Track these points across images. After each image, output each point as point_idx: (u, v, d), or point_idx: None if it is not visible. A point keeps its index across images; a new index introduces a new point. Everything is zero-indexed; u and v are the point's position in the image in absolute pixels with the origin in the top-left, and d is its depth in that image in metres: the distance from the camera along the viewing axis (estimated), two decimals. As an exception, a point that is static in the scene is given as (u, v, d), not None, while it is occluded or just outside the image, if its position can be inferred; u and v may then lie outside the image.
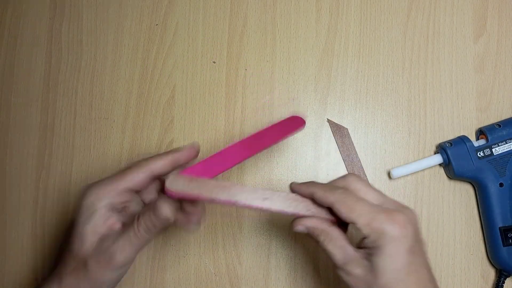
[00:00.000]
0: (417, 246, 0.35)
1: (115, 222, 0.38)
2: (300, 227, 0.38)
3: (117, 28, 0.57)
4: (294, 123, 0.43)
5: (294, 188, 0.39)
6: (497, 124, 0.50)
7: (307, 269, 0.52)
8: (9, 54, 0.58)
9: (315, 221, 0.38)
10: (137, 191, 0.40)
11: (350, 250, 0.36)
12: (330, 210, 0.37)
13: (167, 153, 0.39)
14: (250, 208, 0.37)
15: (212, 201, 0.37)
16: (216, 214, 0.53)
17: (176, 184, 0.36)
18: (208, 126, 0.55)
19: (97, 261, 0.37)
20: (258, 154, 0.42)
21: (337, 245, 0.36)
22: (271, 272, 0.52)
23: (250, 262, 0.53)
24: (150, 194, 0.42)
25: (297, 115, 0.43)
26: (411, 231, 0.35)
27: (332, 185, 0.38)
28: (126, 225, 0.38)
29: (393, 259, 0.34)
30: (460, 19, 0.55)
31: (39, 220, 0.55)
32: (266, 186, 0.53)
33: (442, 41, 0.55)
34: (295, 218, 0.39)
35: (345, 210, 0.36)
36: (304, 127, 0.43)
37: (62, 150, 0.56)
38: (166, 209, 0.37)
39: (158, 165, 0.39)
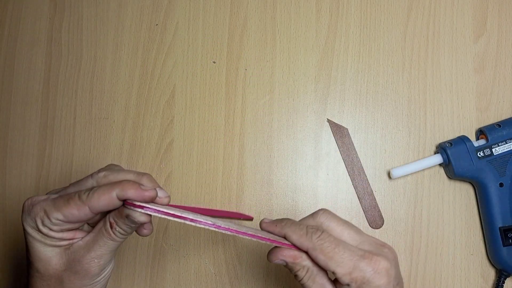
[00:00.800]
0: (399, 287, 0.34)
1: (69, 234, 0.36)
2: (279, 261, 0.35)
3: (117, 28, 0.57)
4: (243, 216, 0.44)
5: (266, 228, 0.36)
6: (497, 124, 0.50)
7: (307, 269, 0.52)
8: (9, 54, 0.58)
9: (294, 255, 0.35)
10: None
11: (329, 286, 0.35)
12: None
13: (114, 184, 0.34)
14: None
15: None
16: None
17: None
18: (208, 126, 0.55)
19: (75, 273, 0.35)
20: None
21: (317, 283, 0.34)
22: (271, 272, 0.52)
23: (250, 262, 0.53)
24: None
25: (244, 213, 0.44)
26: (393, 275, 0.34)
27: (306, 227, 0.35)
28: (94, 231, 0.36)
29: None
30: (460, 19, 0.55)
31: (39, 220, 0.55)
32: (266, 186, 0.54)
33: (442, 41, 0.55)
34: (273, 247, 0.35)
35: (323, 258, 0.33)
36: (252, 220, 0.46)
37: (62, 150, 0.56)
38: (145, 216, 0.34)
39: (101, 203, 0.33)
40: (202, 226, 0.33)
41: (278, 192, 0.53)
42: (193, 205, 0.42)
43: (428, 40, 0.55)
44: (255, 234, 0.35)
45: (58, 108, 0.56)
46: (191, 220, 0.33)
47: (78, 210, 0.33)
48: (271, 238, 0.35)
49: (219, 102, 0.55)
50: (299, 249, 0.35)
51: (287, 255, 0.35)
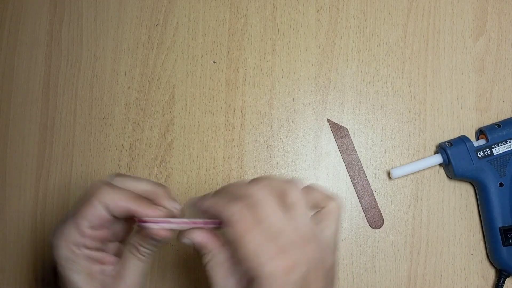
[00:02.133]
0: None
1: (102, 256, 0.35)
2: (186, 239, 0.33)
3: (117, 28, 0.57)
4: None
5: (188, 201, 0.34)
6: (497, 124, 0.50)
7: (307, 269, 0.52)
8: (9, 54, 0.58)
9: (204, 236, 0.32)
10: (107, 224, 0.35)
11: (231, 284, 0.32)
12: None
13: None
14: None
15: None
16: (216, 214, 0.53)
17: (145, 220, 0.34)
18: (208, 126, 0.55)
19: None
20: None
21: (220, 273, 0.32)
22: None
23: (250, 262, 0.53)
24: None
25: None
26: (296, 278, 0.29)
27: (231, 194, 0.31)
28: (122, 258, 0.36)
29: None
30: (460, 19, 0.55)
31: (39, 220, 0.55)
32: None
33: (442, 41, 0.55)
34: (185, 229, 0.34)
35: (236, 238, 0.29)
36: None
37: (62, 150, 0.56)
38: (167, 232, 0.33)
39: (116, 209, 0.34)
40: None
41: (278, 192, 0.53)
42: None
43: (428, 40, 0.55)
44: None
45: (58, 108, 0.56)
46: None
47: (94, 208, 0.33)
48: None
49: (219, 102, 0.55)
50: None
51: (197, 235, 0.32)
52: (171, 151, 0.55)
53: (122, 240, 0.38)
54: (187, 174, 0.54)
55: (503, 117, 0.52)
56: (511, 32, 0.54)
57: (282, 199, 0.31)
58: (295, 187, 0.32)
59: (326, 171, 0.54)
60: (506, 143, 0.49)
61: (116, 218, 0.34)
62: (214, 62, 0.56)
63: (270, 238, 0.29)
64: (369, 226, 0.52)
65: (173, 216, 0.35)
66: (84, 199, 0.34)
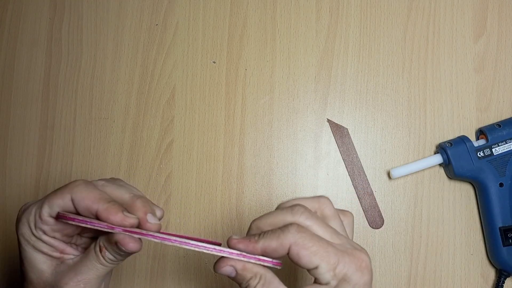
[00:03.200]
0: None
1: (60, 245, 0.36)
2: (228, 268, 0.32)
3: (117, 28, 0.57)
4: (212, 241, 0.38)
5: (237, 246, 0.32)
6: (497, 124, 0.50)
7: (307, 269, 0.52)
8: (9, 54, 0.58)
9: (246, 263, 0.32)
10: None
11: None
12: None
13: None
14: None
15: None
16: (216, 214, 0.53)
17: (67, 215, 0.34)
18: (208, 126, 0.55)
19: (66, 284, 0.34)
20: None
21: None
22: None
23: (250, 262, 0.53)
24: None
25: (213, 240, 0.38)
26: (369, 278, 0.31)
27: (279, 225, 0.32)
28: (84, 253, 0.36)
29: None
30: (460, 19, 0.55)
31: (39, 220, 0.55)
32: (266, 186, 0.54)
33: (442, 41, 0.55)
34: (221, 258, 0.33)
35: (306, 253, 0.30)
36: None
37: (62, 150, 0.56)
38: (135, 245, 0.33)
39: (82, 202, 0.34)
40: (169, 243, 0.32)
41: (278, 192, 0.53)
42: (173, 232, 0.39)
43: (428, 40, 0.55)
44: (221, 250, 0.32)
45: (58, 108, 0.56)
46: (161, 238, 0.32)
47: (62, 199, 0.34)
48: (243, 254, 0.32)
49: (219, 102, 0.55)
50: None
51: (239, 263, 0.32)
52: (171, 151, 0.55)
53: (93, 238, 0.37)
54: (187, 174, 0.54)
55: (503, 117, 0.52)
56: (511, 32, 0.54)
57: (321, 215, 0.34)
58: (327, 203, 0.35)
59: (326, 171, 0.54)
60: (506, 143, 0.49)
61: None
62: (214, 62, 0.56)
63: (338, 247, 0.31)
64: (369, 226, 0.52)
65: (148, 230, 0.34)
66: (58, 189, 0.35)
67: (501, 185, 0.49)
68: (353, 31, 0.55)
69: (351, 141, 0.54)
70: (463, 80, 0.54)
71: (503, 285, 0.49)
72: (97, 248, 0.34)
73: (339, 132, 0.54)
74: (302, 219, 0.32)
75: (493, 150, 0.49)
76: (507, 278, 0.50)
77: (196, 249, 0.32)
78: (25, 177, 0.56)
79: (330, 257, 0.30)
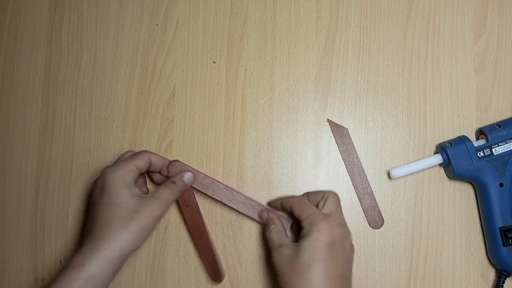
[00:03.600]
0: (339, 250, 0.43)
1: (137, 189, 0.47)
2: (265, 214, 0.50)
3: (117, 28, 0.57)
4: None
5: (273, 204, 0.51)
6: (497, 124, 0.50)
7: (307, 269, 0.52)
8: (9, 54, 0.58)
9: (273, 215, 0.49)
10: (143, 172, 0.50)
11: (286, 238, 0.47)
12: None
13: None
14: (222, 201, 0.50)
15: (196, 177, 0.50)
16: (216, 214, 0.53)
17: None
18: (208, 126, 0.55)
19: (145, 204, 0.45)
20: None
21: (278, 233, 0.47)
22: (271, 272, 0.52)
23: (250, 262, 0.53)
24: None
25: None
26: (337, 233, 0.43)
27: (296, 197, 0.51)
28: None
29: (315, 243, 0.42)
30: (460, 19, 0.55)
31: (39, 220, 0.55)
32: (266, 186, 0.54)
33: (442, 41, 0.55)
34: (262, 209, 0.51)
35: (297, 209, 0.46)
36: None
37: (62, 150, 0.56)
38: (189, 175, 0.50)
39: (154, 158, 0.50)
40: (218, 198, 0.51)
41: (278, 192, 0.53)
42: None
43: (428, 40, 0.55)
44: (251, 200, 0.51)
45: (58, 108, 0.56)
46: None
47: (142, 157, 0.49)
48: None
49: (219, 102, 0.55)
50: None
51: (271, 214, 0.50)
52: (171, 151, 0.55)
53: None
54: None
55: (503, 117, 0.52)
56: (511, 32, 0.54)
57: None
58: (331, 194, 0.48)
59: (326, 171, 0.54)
60: (506, 143, 0.49)
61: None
62: (214, 62, 0.56)
63: (319, 211, 0.46)
64: (369, 226, 0.52)
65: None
66: (136, 153, 0.50)
67: (501, 185, 0.49)
68: (353, 31, 0.55)
69: (351, 141, 0.54)
70: (463, 80, 0.54)
71: (503, 285, 0.49)
72: (166, 181, 0.49)
73: (339, 132, 0.54)
74: (330, 199, 0.48)
75: (493, 150, 0.49)
76: (507, 278, 0.50)
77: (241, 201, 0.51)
78: (25, 176, 0.56)
79: (309, 212, 0.45)
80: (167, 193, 0.47)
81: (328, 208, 0.46)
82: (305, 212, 0.45)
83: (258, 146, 0.54)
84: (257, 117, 0.55)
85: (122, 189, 0.45)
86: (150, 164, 0.49)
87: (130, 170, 0.47)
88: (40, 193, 0.55)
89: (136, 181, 0.48)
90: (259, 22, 0.56)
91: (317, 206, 0.47)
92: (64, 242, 0.54)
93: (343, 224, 0.45)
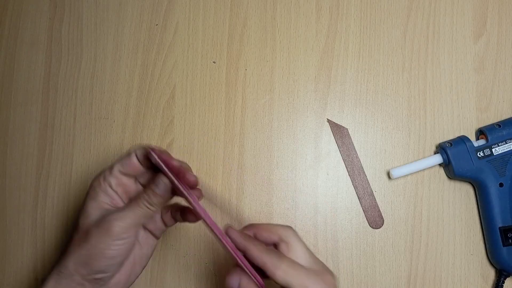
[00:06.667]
0: None
1: (117, 199, 0.41)
2: (235, 283, 0.38)
3: (117, 28, 0.57)
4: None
5: (231, 235, 0.38)
6: (497, 124, 0.50)
7: (307, 269, 0.52)
8: (9, 54, 0.58)
9: (248, 283, 0.37)
10: (135, 176, 0.43)
11: None
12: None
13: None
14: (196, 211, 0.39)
15: (173, 183, 0.39)
16: (216, 214, 0.53)
17: (160, 154, 0.39)
18: (208, 126, 0.55)
19: (97, 227, 0.39)
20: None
21: None
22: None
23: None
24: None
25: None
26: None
27: (267, 248, 0.38)
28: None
29: None
30: (460, 19, 0.55)
31: (39, 220, 0.55)
32: (266, 186, 0.54)
33: (442, 41, 0.55)
34: (235, 269, 0.38)
35: (280, 274, 0.36)
36: None
37: (62, 150, 0.56)
38: (165, 179, 0.39)
39: (139, 151, 0.42)
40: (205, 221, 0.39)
41: (278, 192, 0.53)
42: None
43: (428, 40, 0.55)
44: (225, 239, 0.38)
45: (58, 108, 0.56)
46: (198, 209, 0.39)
47: (129, 157, 0.41)
48: (233, 251, 0.38)
49: (219, 102, 0.55)
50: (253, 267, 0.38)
51: (244, 282, 0.37)
52: (171, 151, 0.55)
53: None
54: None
55: (503, 117, 0.52)
56: (511, 32, 0.54)
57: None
58: (289, 233, 0.40)
59: (326, 171, 0.54)
60: (506, 143, 0.49)
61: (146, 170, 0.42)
62: (214, 62, 0.56)
63: (309, 269, 0.37)
64: (369, 226, 0.52)
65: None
66: (124, 153, 0.42)
67: (501, 185, 0.49)
68: (353, 31, 0.55)
69: (351, 141, 0.54)
70: (463, 80, 0.54)
71: (503, 285, 0.49)
72: (136, 197, 0.40)
73: (339, 132, 0.54)
74: (286, 235, 0.39)
75: (493, 150, 0.49)
76: (507, 278, 0.50)
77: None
78: (25, 177, 0.56)
79: (299, 276, 0.36)
80: (132, 210, 0.40)
81: (296, 254, 0.38)
82: (295, 278, 0.36)
83: (258, 146, 0.54)
84: (257, 117, 0.55)
85: (89, 199, 0.41)
86: (143, 163, 0.42)
87: (109, 175, 0.41)
88: (40, 193, 0.55)
89: (123, 187, 0.42)
90: (259, 22, 0.56)
91: (275, 246, 0.39)
92: (64, 242, 0.54)
93: (328, 271, 0.38)
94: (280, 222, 0.53)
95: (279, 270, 0.36)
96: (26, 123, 0.56)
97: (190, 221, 0.43)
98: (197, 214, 0.40)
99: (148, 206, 0.39)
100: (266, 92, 0.55)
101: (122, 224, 0.39)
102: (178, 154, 0.55)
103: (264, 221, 0.53)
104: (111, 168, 0.42)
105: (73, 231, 0.41)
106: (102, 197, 0.41)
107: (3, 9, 0.58)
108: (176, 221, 0.44)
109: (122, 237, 0.39)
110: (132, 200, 0.40)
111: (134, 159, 0.41)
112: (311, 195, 0.53)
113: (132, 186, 0.43)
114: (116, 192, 0.41)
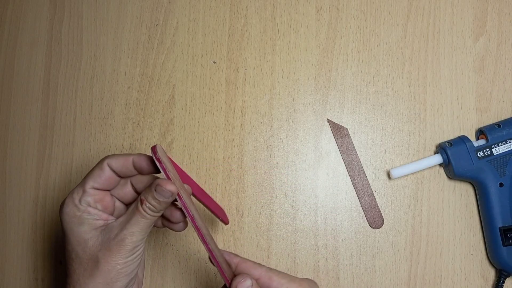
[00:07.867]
0: None
1: (102, 214, 0.39)
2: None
3: (117, 28, 0.57)
4: (223, 216, 0.45)
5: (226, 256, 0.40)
6: (497, 124, 0.50)
7: (307, 269, 0.52)
8: (9, 54, 0.58)
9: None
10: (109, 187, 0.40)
11: None
12: None
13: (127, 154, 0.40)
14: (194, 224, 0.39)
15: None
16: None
17: (161, 152, 0.37)
18: (208, 126, 0.55)
19: (108, 250, 0.37)
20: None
21: None
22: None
23: (250, 262, 0.53)
24: (141, 183, 0.41)
25: (225, 215, 0.46)
26: None
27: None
28: (127, 212, 0.39)
29: None
30: (460, 19, 0.55)
31: (39, 220, 0.55)
32: (266, 186, 0.54)
33: (442, 41, 0.55)
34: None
35: None
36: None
37: (62, 150, 0.56)
38: (170, 185, 0.37)
39: (114, 161, 0.39)
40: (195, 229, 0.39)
41: (278, 192, 0.53)
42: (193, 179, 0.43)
43: (428, 40, 0.55)
44: (215, 256, 0.39)
45: (58, 108, 0.56)
46: (193, 220, 0.38)
47: (101, 169, 0.39)
48: (223, 269, 0.39)
49: (219, 102, 0.55)
50: None
51: None
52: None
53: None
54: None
55: (503, 117, 0.52)
56: (511, 32, 0.54)
57: None
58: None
59: (326, 171, 0.54)
60: (506, 143, 0.49)
61: (122, 178, 0.40)
62: (214, 62, 0.56)
63: None
64: (369, 226, 0.52)
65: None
66: (95, 165, 0.39)
67: (501, 185, 0.49)
68: (353, 31, 0.55)
69: (351, 141, 0.54)
70: (463, 80, 0.54)
71: (503, 285, 0.49)
72: (138, 203, 0.38)
73: (339, 132, 0.54)
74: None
75: (493, 150, 0.49)
76: (507, 278, 0.50)
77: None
78: (25, 177, 0.56)
79: None
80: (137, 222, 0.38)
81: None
82: None
83: (258, 146, 0.54)
84: (257, 117, 0.55)
85: (77, 226, 0.38)
86: (117, 173, 0.39)
87: (84, 194, 0.38)
88: (40, 193, 0.55)
89: (102, 202, 0.40)
90: (259, 22, 0.56)
91: None
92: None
93: None
94: (280, 222, 0.53)
95: None
96: (26, 123, 0.56)
97: (176, 230, 0.42)
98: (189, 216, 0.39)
99: (154, 215, 0.38)
100: (266, 92, 0.55)
101: (135, 239, 0.37)
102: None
103: (265, 218, 0.53)
104: (83, 186, 0.39)
105: (69, 266, 0.38)
106: (89, 219, 0.38)
107: (3, 9, 0.58)
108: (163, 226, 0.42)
109: (135, 250, 0.38)
110: (133, 209, 0.38)
111: (108, 172, 0.39)
112: (311, 195, 0.53)
113: (108, 199, 0.40)
114: (96, 208, 0.39)
